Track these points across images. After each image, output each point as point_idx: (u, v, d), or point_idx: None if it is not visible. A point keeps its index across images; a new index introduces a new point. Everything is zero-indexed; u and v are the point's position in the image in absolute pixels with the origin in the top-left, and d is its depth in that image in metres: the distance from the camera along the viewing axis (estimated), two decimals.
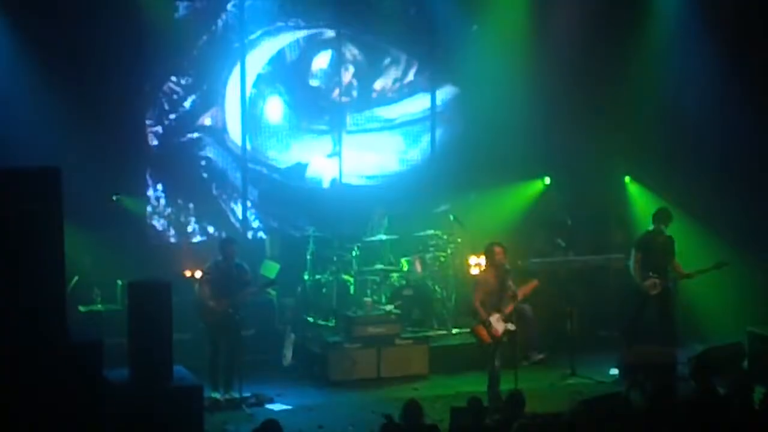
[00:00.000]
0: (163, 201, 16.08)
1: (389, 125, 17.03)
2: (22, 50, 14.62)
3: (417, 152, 17.12)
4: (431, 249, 15.72)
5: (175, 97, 16.02)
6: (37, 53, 14.57)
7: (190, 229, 16.22)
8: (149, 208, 15.98)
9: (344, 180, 16.75)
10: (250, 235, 16.34)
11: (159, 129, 15.98)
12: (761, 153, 16.28)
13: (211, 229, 16.22)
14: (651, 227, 14.45)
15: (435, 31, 16.81)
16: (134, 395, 11.76)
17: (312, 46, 16.63)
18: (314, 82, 16.73)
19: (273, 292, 15.22)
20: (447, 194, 16.64)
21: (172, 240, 16.10)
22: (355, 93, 16.88)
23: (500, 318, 12.85)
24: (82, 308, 14.26)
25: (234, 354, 13.53)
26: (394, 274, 15.40)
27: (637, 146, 16.67)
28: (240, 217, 16.36)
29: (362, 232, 15.63)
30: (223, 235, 15.65)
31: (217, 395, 13.37)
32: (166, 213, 16.11)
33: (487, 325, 12.83)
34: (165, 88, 15.96)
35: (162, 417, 11.64)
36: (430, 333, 15.16)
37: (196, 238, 16.18)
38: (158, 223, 16.09)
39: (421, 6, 16.79)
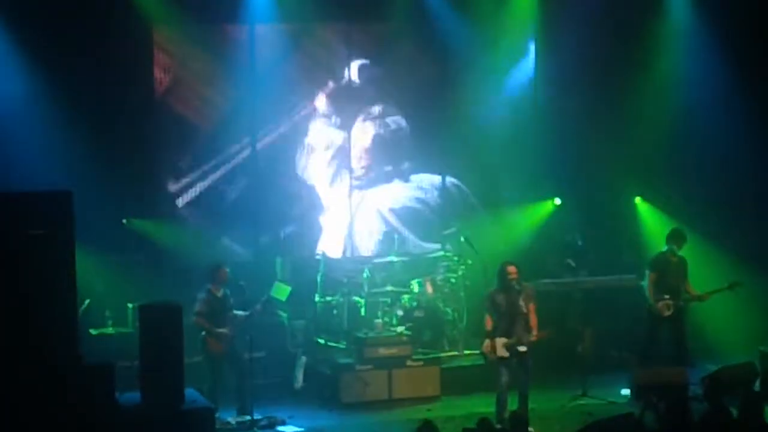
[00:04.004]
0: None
1: None
2: (35, 74, 14.65)
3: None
4: (442, 270, 15.72)
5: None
6: (49, 77, 14.59)
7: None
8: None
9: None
10: (261, 257, 16.30)
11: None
12: None
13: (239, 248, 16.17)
14: (665, 248, 14.41)
15: (444, 51, 16.82)
16: (146, 418, 11.77)
17: None
18: None
19: (284, 314, 15.22)
20: (457, 215, 16.63)
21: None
22: None
23: (505, 343, 12.81)
24: (93, 331, 14.25)
25: (243, 378, 13.50)
26: (405, 296, 15.36)
27: (647, 166, 16.66)
28: (255, 239, 16.34)
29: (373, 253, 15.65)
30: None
31: (227, 418, 13.35)
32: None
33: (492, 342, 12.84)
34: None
35: None
36: (442, 354, 15.12)
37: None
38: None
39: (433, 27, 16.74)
